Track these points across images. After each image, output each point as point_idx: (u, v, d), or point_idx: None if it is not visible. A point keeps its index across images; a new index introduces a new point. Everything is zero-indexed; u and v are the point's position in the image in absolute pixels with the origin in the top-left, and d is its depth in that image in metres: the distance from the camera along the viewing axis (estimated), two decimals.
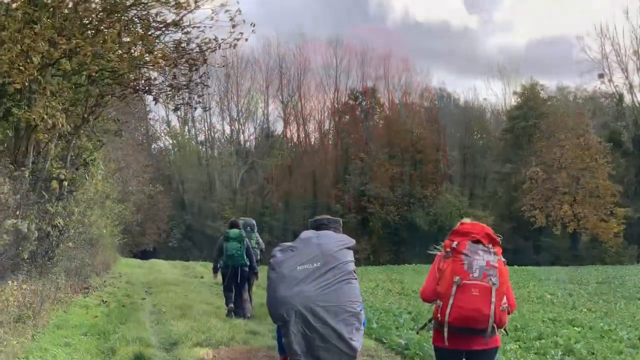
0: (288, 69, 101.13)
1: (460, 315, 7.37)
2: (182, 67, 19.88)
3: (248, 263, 19.40)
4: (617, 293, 42.66)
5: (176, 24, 18.72)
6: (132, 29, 18.64)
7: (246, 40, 19.06)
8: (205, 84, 21.04)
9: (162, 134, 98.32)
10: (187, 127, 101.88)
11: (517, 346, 16.79)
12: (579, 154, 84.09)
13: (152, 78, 20.99)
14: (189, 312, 19.76)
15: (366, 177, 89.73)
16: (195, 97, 21.20)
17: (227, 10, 18.46)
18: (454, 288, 7.39)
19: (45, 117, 16.45)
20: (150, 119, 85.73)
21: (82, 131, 21.46)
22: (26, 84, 16.04)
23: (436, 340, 7.86)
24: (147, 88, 20.81)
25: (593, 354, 16.35)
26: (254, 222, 21.34)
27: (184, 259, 72.64)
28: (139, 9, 18.35)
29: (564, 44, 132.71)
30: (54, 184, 19.64)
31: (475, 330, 7.46)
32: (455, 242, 7.62)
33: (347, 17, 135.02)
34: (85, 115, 20.79)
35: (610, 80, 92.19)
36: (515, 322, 22.29)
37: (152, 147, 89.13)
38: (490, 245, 7.60)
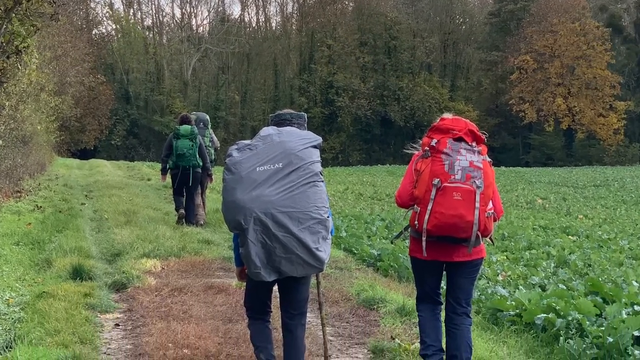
0: None
1: (440, 222, 7.34)
2: None
3: (201, 164, 19.29)
4: (617, 197, 43.25)
5: None
6: None
7: None
8: None
9: (104, 18, 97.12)
10: (131, 10, 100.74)
11: (505, 257, 16.96)
12: (574, 40, 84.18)
13: None
14: (134, 219, 19.73)
15: (334, 67, 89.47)
16: None
17: None
18: (433, 192, 7.34)
19: None
20: (90, 0, 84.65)
21: (13, 15, 20.98)
22: None
23: (413, 251, 7.85)
24: None
25: (590, 265, 16.55)
26: (207, 117, 21.14)
27: (129, 158, 72.62)
28: None
29: None
30: None
31: (457, 239, 7.44)
32: (435, 140, 7.54)
33: None
34: None
35: None
36: (502, 230, 22.53)
37: (93, 32, 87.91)
38: (474, 144, 7.53)
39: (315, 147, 7.02)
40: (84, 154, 75.15)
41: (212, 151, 20.67)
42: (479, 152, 7.46)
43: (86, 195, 27.98)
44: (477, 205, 7.25)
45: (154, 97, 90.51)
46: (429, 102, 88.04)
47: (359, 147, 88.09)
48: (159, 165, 21.65)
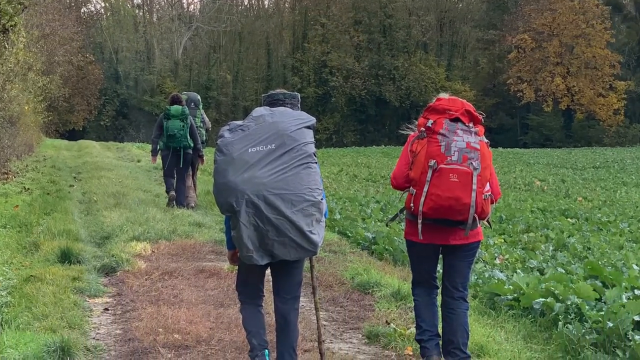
0: None
1: (436, 204, 7.33)
2: None
3: (192, 145, 19.26)
4: (617, 179, 43.29)
5: None
6: None
7: None
8: None
9: None
10: None
11: (502, 240, 16.96)
12: (574, 18, 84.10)
13: None
14: (124, 201, 19.71)
15: (328, 46, 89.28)
16: None
17: None
18: (430, 173, 7.33)
19: None
20: None
21: None
22: None
23: (409, 234, 7.84)
24: None
25: (589, 249, 16.55)
26: (198, 97, 21.11)
27: (118, 139, 72.50)
28: None
29: None
30: None
31: (453, 221, 7.43)
32: (431, 121, 7.52)
33: None
34: None
35: None
36: (499, 213, 22.53)
37: (82, 11, 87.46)
38: (470, 124, 7.50)
39: (308, 127, 7.00)
40: (72, 135, 75.07)
41: (204, 132, 20.64)
42: (476, 133, 7.45)
43: (75, 177, 27.96)
44: (474, 187, 7.23)
45: (144, 76, 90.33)
46: (425, 81, 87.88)
47: (354, 127, 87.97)
48: (149, 147, 21.61)
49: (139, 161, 36.40)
